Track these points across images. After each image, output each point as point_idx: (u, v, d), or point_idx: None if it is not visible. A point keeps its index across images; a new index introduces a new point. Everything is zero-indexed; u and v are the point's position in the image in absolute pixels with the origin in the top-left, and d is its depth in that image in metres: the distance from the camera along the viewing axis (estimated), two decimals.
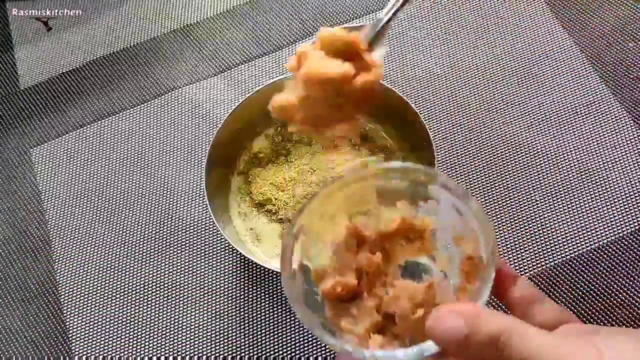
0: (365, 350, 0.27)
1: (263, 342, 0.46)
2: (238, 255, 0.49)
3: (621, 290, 0.45)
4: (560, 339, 0.24)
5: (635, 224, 0.47)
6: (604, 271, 0.46)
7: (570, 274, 0.46)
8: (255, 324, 0.47)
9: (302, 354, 0.46)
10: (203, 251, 0.50)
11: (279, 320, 0.47)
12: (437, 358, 0.27)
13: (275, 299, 0.47)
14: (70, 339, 0.48)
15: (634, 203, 0.48)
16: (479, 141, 0.52)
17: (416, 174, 0.32)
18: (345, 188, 0.33)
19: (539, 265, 0.46)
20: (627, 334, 0.26)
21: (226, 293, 0.48)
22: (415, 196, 0.33)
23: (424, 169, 0.31)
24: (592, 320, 0.45)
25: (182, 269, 0.49)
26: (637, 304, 0.45)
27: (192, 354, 0.47)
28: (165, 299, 0.49)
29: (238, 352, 0.46)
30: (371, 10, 0.59)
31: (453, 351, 0.25)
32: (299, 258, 0.31)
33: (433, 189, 0.32)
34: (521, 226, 0.48)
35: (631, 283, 0.45)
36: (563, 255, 0.47)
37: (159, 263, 0.50)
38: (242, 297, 0.48)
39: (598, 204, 0.48)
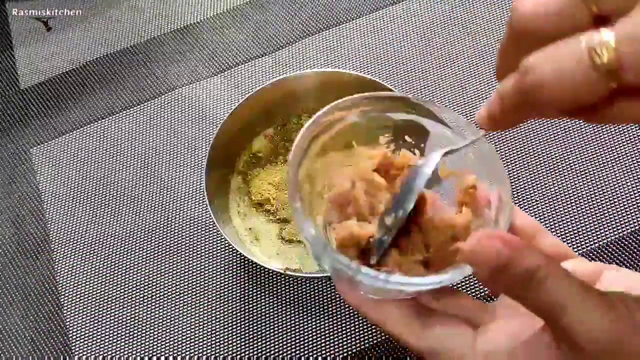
0: (386, 275, 0.25)
1: (263, 342, 0.46)
2: (238, 255, 0.49)
3: None
4: (591, 291, 0.23)
5: (635, 224, 0.47)
6: None
7: None
8: (255, 324, 0.47)
9: (302, 354, 0.46)
10: (203, 251, 0.50)
11: (279, 320, 0.47)
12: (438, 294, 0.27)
13: (275, 299, 0.47)
14: (70, 339, 0.48)
15: (634, 203, 0.48)
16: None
17: (402, 103, 0.30)
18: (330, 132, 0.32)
19: None
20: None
21: (226, 293, 0.48)
22: (404, 130, 0.31)
23: (413, 99, 0.30)
24: None
25: (182, 268, 0.49)
26: None
27: (192, 354, 0.47)
28: (165, 299, 0.49)
29: (238, 352, 0.46)
30: (371, 10, 0.59)
31: (484, 278, 0.24)
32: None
33: (423, 121, 0.30)
34: None
35: None
36: None
37: (158, 263, 0.50)
38: (242, 297, 0.48)
39: (598, 204, 0.48)
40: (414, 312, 0.28)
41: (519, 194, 0.49)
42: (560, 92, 0.19)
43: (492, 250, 0.23)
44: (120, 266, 0.50)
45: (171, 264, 0.50)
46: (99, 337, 0.48)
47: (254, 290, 0.48)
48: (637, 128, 0.51)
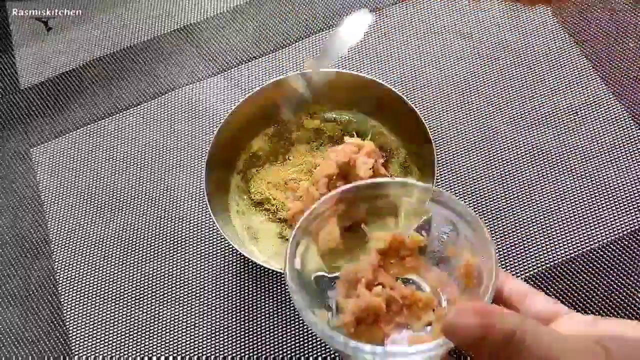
0: (377, 346, 0.27)
1: (263, 342, 0.46)
2: (238, 255, 0.49)
3: (621, 290, 0.45)
4: (570, 338, 0.24)
5: (635, 224, 0.47)
6: (604, 271, 0.46)
7: (570, 274, 0.46)
8: (255, 324, 0.47)
9: (302, 354, 0.46)
10: (203, 251, 0.50)
11: (279, 320, 0.47)
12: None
13: (275, 299, 0.47)
14: (70, 339, 0.48)
15: (634, 203, 0.48)
16: (478, 141, 0.52)
17: (406, 189, 0.33)
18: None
19: (539, 265, 0.46)
20: (625, 325, 0.26)
21: (226, 293, 0.48)
22: (407, 213, 0.34)
23: (417, 185, 0.33)
24: None
25: (182, 268, 0.49)
26: (637, 304, 0.45)
27: (192, 354, 0.47)
28: (165, 298, 0.49)
29: (238, 352, 0.46)
30: (372, 10, 0.59)
31: (466, 349, 0.25)
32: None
33: (427, 204, 0.33)
34: (521, 226, 0.48)
35: (631, 283, 0.45)
36: (563, 255, 0.47)
37: (158, 263, 0.50)
38: (242, 296, 0.48)
39: (598, 204, 0.48)
40: None
41: (519, 195, 0.49)
42: None
43: (467, 324, 0.24)
44: (120, 266, 0.50)
45: (171, 263, 0.50)
46: (99, 337, 0.48)
47: (254, 290, 0.48)
48: (637, 128, 0.51)
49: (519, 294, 0.31)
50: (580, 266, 0.46)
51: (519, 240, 0.47)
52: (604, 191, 0.49)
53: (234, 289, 0.48)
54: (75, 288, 0.50)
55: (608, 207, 0.48)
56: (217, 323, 0.47)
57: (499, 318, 0.24)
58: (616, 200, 0.48)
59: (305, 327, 0.46)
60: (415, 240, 0.34)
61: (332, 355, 0.45)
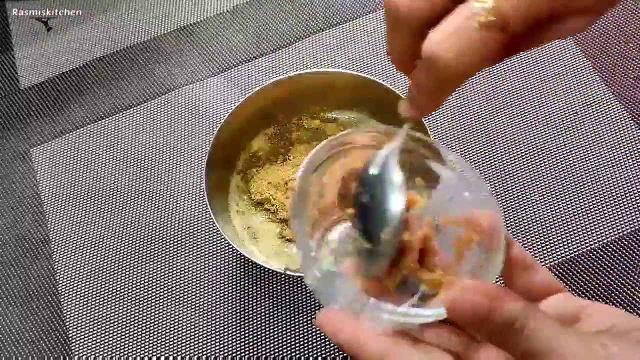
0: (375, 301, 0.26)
1: (263, 342, 0.46)
2: (237, 255, 0.49)
3: (621, 290, 0.45)
4: (570, 334, 0.24)
5: (635, 224, 0.47)
6: (604, 271, 0.46)
7: (570, 274, 0.46)
8: (255, 324, 0.47)
9: (302, 354, 0.46)
10: (203, 251, 0.50)
11: (279, 320, 0.47)
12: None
13: (275, 299, 0.47)
14: (70, 339, 0.48)
15: (634, 203, 0.48)
16: (479, 141, 0.52)
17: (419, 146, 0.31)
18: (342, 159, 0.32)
19: None
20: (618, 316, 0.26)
21: (226, 293, 0.48)
22: (413, 170, 0.32)
23: (431, 142, 0.31)
24: None
25: (182, 268, 0.49)
26: (637, 303, 0.45)
27: (192, 354, 0.47)
28: (165, 298, 0.49)
29: (238, 352, 0.46)
30: (371, 9, 0.59)
31: (466, 326, 0.25)
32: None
33: (435, 166, 0.31)
34: (521, 226, 0.48)
35: (631, 283, 0.45)
36: (563, 255, 0.47)
37: (158, 263, 0.50)
38: (241, 297, 0.48)
39: (598, 204, 0.48)
40: (398, 341, 0.27)
41: (519, 195, 0.49)
42: (468, 64, 0.22)
43: (470, 304, 0.24)
44: (120, 266, 0.50)
45: (171, 263, 0.50)
46: (99, 337, 0.48)
47: (254, 290, 0.48)
48: (637, 128, 0.51)
49: (518, 263, 0.30)
50: (580, 266, 0.46)
51: (519, 241, 0.47)
52: (604, 191, 0.49)
53: (234, 289, 0.48)
54: (75, 288, 0.50)
55: (608, 207, 0.48)
56: (217, 323, 0.47)
57: (505, 302, 0.24)
58: (616, 200, 0.48)
59: (305, 327, 0.46)
60: (412, 200, 0.31)
61: (332, 356, 0.45)
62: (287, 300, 0.47)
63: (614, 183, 0.49)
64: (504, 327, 0.23)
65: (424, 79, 0.24)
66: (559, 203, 0.49)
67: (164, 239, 0.51)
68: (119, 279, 0.50)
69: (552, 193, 0.49)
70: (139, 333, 0.48)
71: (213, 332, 0.47)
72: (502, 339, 0.24)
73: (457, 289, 0.24)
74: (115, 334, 0.48)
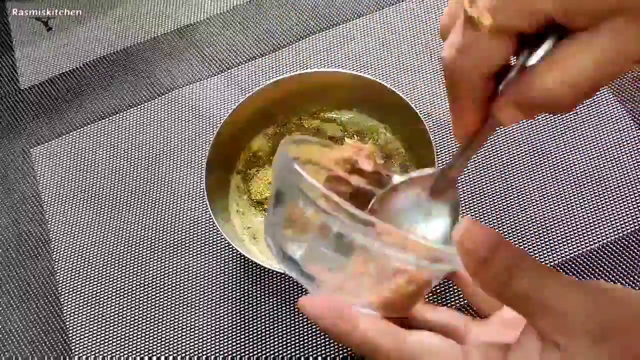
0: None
1: (263, 342, 0.46)
2: (238, 255, 0.49)
3: None
4: (565, 284, 0.23)
5: (635, 224, 0.47)
6: (604, 271, 0.46)
7: (570, 274, 0.46)
8: (255, 324, 0.47)
9: (302, 354, 0.46)
10: (203, 251, 0.50)
11: (279, 320, 0.47)
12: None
13: (275, 299, 0.47)
14: (70, 339, 0.48)
15: (634, 203, 0.48)
16: None
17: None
18: None
19: None
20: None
21: (226, 293, 0.48)
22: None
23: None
24: None
25: (182, 268, 0.49)
26: None
27: (192, 354, 0.47)
28: (165, 298, 0.49)
29: (238, 352, 0.46)
30: (371, 10, 0.59)
31: (471, 268, 0.24)
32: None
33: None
34: (521, 226, 0.48)
35: (631, 283, 0.45)
36: (563, 255, 0.47)
37: (159, 263, 0.50)
38: (242, 297, 0.48)
39: (598, 204, 0.48)
40: (389, 323, 0.27)
41: (519, 194, 0.49)
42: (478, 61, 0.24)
43: (482, 241, 0.24)
44: (120, 266, 0.50)
45: (171, 263, 0.50)
46: (99, 337, 0.48)
47: (254, 290, 0.48)
48: (637, 128, 0.51)
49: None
50: (580, 266, 0.46)
51: (519, 241, 0.47)
52: (604, 191, 0.49)
53: (234, 289, 0.48)
54: (75, 288, 0.50)
55: (608, 207, 0.48)
56: (217, 323, 0.47)
57: (505, 244, 0.24)
58: (616, 200, 0.48)
59: (305, 327, 0.46)
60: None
61: (332, 356, 0.45)
62: (287, 300, 0.47)
63: (614, 183, 0.49)
64: (505, 269, 0.23)
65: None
66: (559, 203, 0.49)
67: (164, 239, 0.51)
68: (119, 279, 0.50)
69: (552, 193, 0.49)
70: (139, 333, 0.48)
71: (213, 332, 0.47)
72: (505, 279, 0.23)
73: (461, 227, 0.24)
74: (115, 334, 0.48)
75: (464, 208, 0.49)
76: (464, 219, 0.25)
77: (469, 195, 0.50)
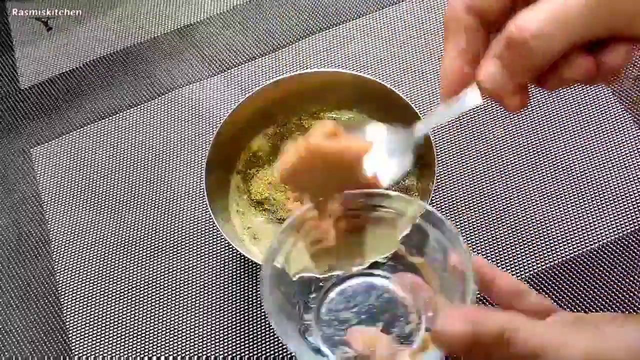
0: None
1: (263, 342, 0.46)
2: (238, 255, 0.49)
3: (621, 290, 0.45)
4: (561, 326, 0.24)
5: (635, 224, 0.47)
6: (604, 271, 0.46)
7: (570, 274, 0.46)
8: (255, 324, 0.47)
9: None
10: (203, 251, 0.50)
11: None
12: None
13: None
14: (70, 339, 0.48)
15: (634, 203, 0.48)
16: (479, 141, 0.52)
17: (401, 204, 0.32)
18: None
19: (539, 265, 0.46)
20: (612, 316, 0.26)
21: (226, 293, 0.48)
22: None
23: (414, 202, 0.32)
24: None
25: (182, 268, 0.49)
26: (637, 304, 0.45)
27: (192, 354, 0.47)
28: (165, 298, 0.49)
29: (238, 352, 0.46)
30: (371, 10, 0.59)
31: (459, 355, 0.25)
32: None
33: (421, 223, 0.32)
34: (521, 226, 0.48)
35: (631, 283, 0.45)
36: (563, 255, 0.47)
37: (159, 263, 0.50)
38: (242, 297, 0.48)
39: (598, 204, 0.48)
40: None
41: (519, 194, 0.49)
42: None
43: (456, 332, 0.24)
44: (120, 266, 0.50)
45: (171, 263, 0.50)
46: (99, 337, 0.48)
47: (254, 290, 0.48)
48: (637, 128, 0.51)
49: (510, 291, 0.31)
50: (580, 266, 0.46)
51: (519, 240, 0.47)
52: (604, 191, 0.49)
53: (234, 289, 0.48)
54: (75, 288, 0.50)
55: (608, 207, 0.48)
56: (217, 323, 0.47)
57: (484, 318, 0.24)
58: (616, 200, 0.48)
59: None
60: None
61: None
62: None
63: (614, 183, 0.49)
64: (496, 341, 0.23)
65: (509, 59, 0.23)
66: (559, 203, 0.49)
67: (164, 239, 0.51)
68: (119, 279, 0.50)
69: (552, 193, 0.49)
70: (139, 333, 0.48)
71: (213, 332, 0.47)
72: (499, 354, 0.24)
73: (438, 322, 0.24)
74: (115, 334, 0.48)
75: (464, 208, 0.49)
76: (442, 316, 0.25)
77: (469, 196, 0.50)
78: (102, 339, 0.48)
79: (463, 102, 0.26)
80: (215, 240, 0.50)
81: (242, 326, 0.47)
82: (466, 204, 0.49)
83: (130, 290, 0.49)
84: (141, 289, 0.49)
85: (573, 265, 0.46)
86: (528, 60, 0.22)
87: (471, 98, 0.25)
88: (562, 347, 0.23)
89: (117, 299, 0.49)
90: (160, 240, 0.51)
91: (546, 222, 0.48)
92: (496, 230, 0.48)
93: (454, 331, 0.24)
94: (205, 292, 0.48)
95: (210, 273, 0.49)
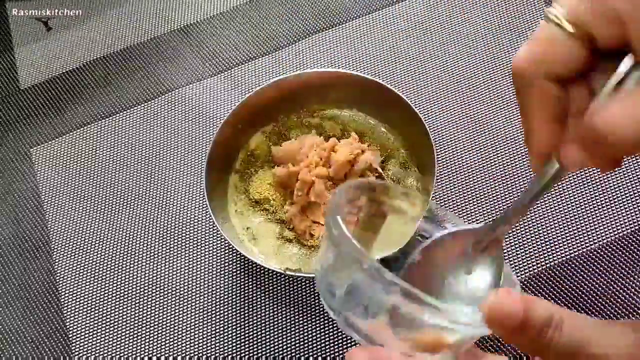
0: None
1: (263, 342, 0.46)
2: (237, 255, 0.49)
3: (621, 290, 0.45)
4: (602, 325, 0.24)
5: (635, 224, 0.47)
6: (604, 271, 0.46)
7: (570, 274, 0.46)
8: (255, 324, 0.47)
9: (302, 354, 0.46)
10: (202, 251, 0.50)
11: (279, 320, 0.47)
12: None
13: (274, 299, 0.47)
14: (70, 339, 0.48)
15: (634, 203, 0.48)
16: (479, 141, 0.52)
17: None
18: None
19: (539, 265, 0.46)
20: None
21: (226, 293, 0.48)
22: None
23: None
24: None
25: (182, 268, 0.49)
26: (637, 303, 0.45)
27: (192, 354, 0.47)
28: (165, 298, 0.49)
29: (238, 352, 0.46)
30: (371, 10, 0.59)
31: (507, 337, 0.25)
32: None
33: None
34: (521, 226, 0.48)
35: (631, 283, 0.45)
36: (563, 255, 0.47)
37: (158, 262, 0.50)
38: (241, 297, 0.48)
39: (598, 204, 0.48)
40: None
41: (519, 194, 0.49)
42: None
43: (509, 311, 0.24)
44: (120, 266, 0.50)
45: (171, 263, 0.50)
46: (99, 337, 0.48)
47: (254, 290, 0.48)
48: None
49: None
50: (580, 266, 0.46)
51: (519, 240, 0.47)
52: (604, 191, 0.49)
53: (234, 289, 0.48)
54: (75, 288, 0.50)
55: (608, 207, 0.48)
56: (217, 323, 0.47)
57: (537, 304, 0.24)
58: (616, 200, 0.48)
59: (304, 327, 0.46)
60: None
61: (332, 356, 0.45)
62: (287, 300, 0.47)
63: (614, 183, 0.49)
64: (542, 328, 0.23)
65: (590, 148, 0.22)
66: (559, 203, 0.49)
67: (164, 239, 0.51)
68: (119, 279, 0.50)
69: (552, 193, 0.49)
70: (139, 333, 0.48)
71: (213, 332, 0.47)
72: (543, 340, 0.24)
73: (492, 297, 0.24)
74: (115, 334, 0.48)
75: (464, 208, 0.49)
76: (491, 293, 0.25)
77: (469, 195, 0.50)
78: (102, 339, 0.48)
79: (551, 174, 0.25)
80: (215, 240, 0.50)
81: (242, 326, 0.47)
82: (466, 203, 0.49)
83: (130, 290, 0.49)
84: (141, 288, 0.49)
85: (573, 265, 0.46)
86: (609, 149, 0.21)
87: (558, 170, 0.25)
88: (604, 342, 0.23)
89: (117, 299, 0.49)
90: (160, 240, 0.51)
91: (546, 222, 0.48)
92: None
93: (509, 307, 0.24)
94: (205, 292, 0.48)
95: (210, 273, 0.49)
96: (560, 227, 0.48)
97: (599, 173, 0.49)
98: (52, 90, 0.59)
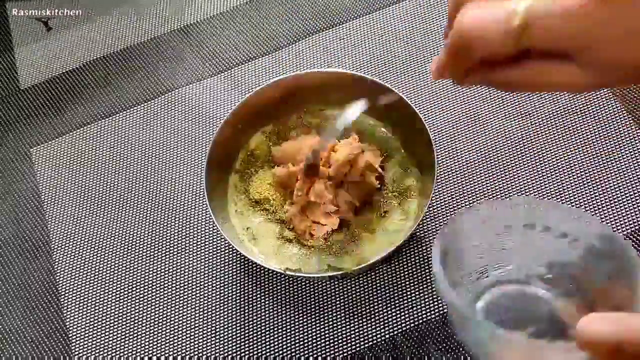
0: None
1: (262, 342, 0.46)
2: (237, 255, 0.49)
3: None
4: None
5: (636, 224, 0.47)
6: None
7: None
8: (255, 324, 0.47)
9: (301, 354, 0.46)
10: (202, 251, 0.50)
11: (279, 320, 0.47)
12: None
13: (274, 299, 0.47)
14: (70, 339, 0.48)
15: (633, 203, 0.48)
16: (479, 141, 0.52)
17: None
18: None
19: None
20: None
21: (226, 293, 0.48)
22: None
23: None
24: None
25: (182, 268, 0.49)
26: None
27: (192, 354, 0.47)
28: (165, 298, 0.49)
29: (238, 352, 0.46)
30: (371, 10, 0.59)
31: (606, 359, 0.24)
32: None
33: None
34: None
35: None
36: None
37: (158, 263, 0.50)
38: (241, 297, 0.48)
39: (598, 204, 0.48)
40: None
41: (519, 194, 0.49)
42: (483, 43, 0.25)
43: (602, 330, 0.23)
44: (120, 266, 0.50)
45: (171, 263, 0.50)
46: (99, 337, 0.48)
47: (254, 290, 0.48)
48: (637, 128, 0.51)
49: None
50: None
51: None
52: (604, 191, 0.49)
53: (234, 289, 0.48)
54: (75, 288, 0.50)
55: (608, 207, 0.48)
56: (217, 323, 0.47)
57: (633, 324, 0.23)
58: (616, 200, 0.48)
59: (304, 327, 0.46)
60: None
61: (332, 356, 0.45)
62: (287, 300, 0.47)
63: (614, 183, 0.49)
64: None
65: (449, 42, 0.27)
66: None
67: (164, 239, 0.51)
68: (119, 279, 0.50)
69: (552, 193, 0.49)
70: (139, 333, 0.48)
71: (213, 332, 0.47)
72: None
73: (581, 321, 0.24)
74: (115, 334, 0.48)
75: (464, 208, 0.49)
76: (585, 316, 0.24)
77: (470, 195, 0.50)
78: (102, 339, 0.48)
79: None
80: (215, 240, 0.50)
81: (242, 326, 0.47)
82: (466, 204, 0.49)
83: (130, 290, 0.49)
84: (141, 288, 0.49)
85: None
86: (470, 52, 0.26)
87: None
88: None
89: (117, 299, 0.49)
90: (160, 240, 0.51)
91: None
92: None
93: (598, 331, 0.23)
94: (205, 292, 0.48)
95: (210, 273, 0.49)
96: None
97: (599, 173, 0.49)
98: (52, 90, 0.59)
